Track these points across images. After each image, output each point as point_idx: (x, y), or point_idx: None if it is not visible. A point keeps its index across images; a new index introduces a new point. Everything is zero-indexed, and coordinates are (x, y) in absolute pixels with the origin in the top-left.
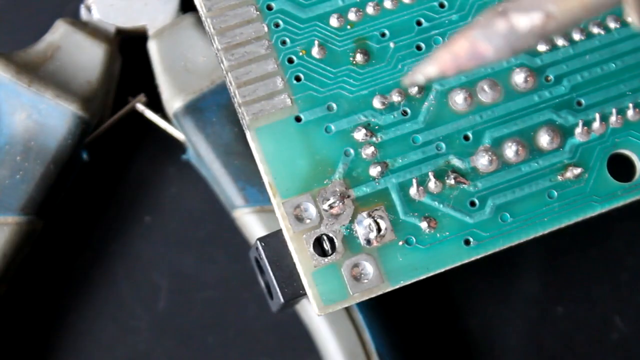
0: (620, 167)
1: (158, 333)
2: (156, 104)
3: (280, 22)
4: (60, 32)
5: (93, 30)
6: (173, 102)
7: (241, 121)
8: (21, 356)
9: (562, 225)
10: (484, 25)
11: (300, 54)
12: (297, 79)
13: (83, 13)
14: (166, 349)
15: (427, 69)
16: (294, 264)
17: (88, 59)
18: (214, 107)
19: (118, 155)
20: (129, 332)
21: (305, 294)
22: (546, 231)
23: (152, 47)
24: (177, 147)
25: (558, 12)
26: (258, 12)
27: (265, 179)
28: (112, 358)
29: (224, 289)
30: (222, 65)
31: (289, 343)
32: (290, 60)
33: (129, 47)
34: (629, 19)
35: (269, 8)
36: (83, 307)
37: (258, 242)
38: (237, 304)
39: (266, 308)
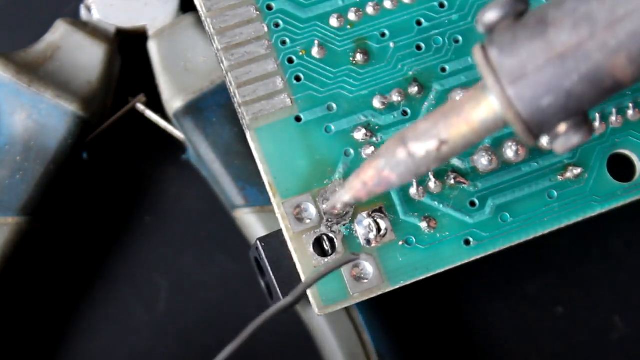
0: (620, 167)
1: (158, 333)
2: (156, 104)
3: (280, 22)
4: (60, 32)
5: (93, 31)
6: (173, 102)
7: (241, 121)
8: (21, 356)
9: (562, 225)
10: (387, 154)
11: (300, 54)
12: (297, 79)
13: (83, 13)
14: (166, 349)
15: (343, 197)
16: (294, 264)
17: (88, 59)
18: (214, 107)
19: (118, 155)
20: (129, 332)
21: (305, 294)
22: (546, 231)
23: (152, 47)
24: (177, 147)
25: (450, 139)
26: (258, 12)
27: (265, 179)
28: (112, 358)
29: (224, 289)
30: (222, 65)
31: (289, 343)
32: (290, 60)
33: (129, 47)
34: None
35: (269, 8)
36: (83, 307)
37: (258, 242)
38: (237, 304)
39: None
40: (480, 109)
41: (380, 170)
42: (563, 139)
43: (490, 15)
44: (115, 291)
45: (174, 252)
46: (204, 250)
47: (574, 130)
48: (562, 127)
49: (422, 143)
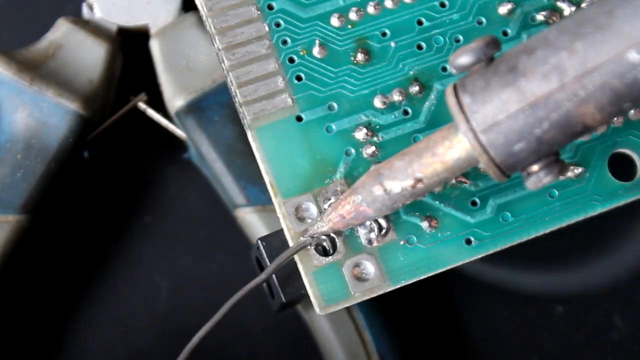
0: (621, 167)
1: (158, 333)
2: (157, 103)
3: (281, 22)
4: (62, 30)
5: (95, 29)
6: (175, 101)
7: (242, 121)
8: (21, 356)
9: (563, 224)
10: (364, 191)
11: (301, 53)
12: (298, 78)
13: (85, 11)
14: (166, 349)
15: (322, 228)
16: (295, 264)
17: (90, 57)
18: (216, 106)
19: (119, 154)
20: (129, 332)
21: (306, 293)
22: (547, 231)
23: (154, 46)
24: (179, 146)
25: (425, 177)
26: (259, 12)
27: (266, 178)
28: (112, 358)
29: (224, 289)
30: (223, 64)
31: (289, 343)
32: (291, 60)
33: (130, 46)
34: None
35: (270, 7)
36: (83, 307)
37: (259, 242)
38: (237, 304)
39: (266, 308)
40: (454, 150)
41: (357, 205)
42: (535, 177)
43: (462, 60)
44: (115, 291)
45: (174, 252)
46: (204, 250)
47: (545, 171)
48: (535, 167)
49: (397, 181)
